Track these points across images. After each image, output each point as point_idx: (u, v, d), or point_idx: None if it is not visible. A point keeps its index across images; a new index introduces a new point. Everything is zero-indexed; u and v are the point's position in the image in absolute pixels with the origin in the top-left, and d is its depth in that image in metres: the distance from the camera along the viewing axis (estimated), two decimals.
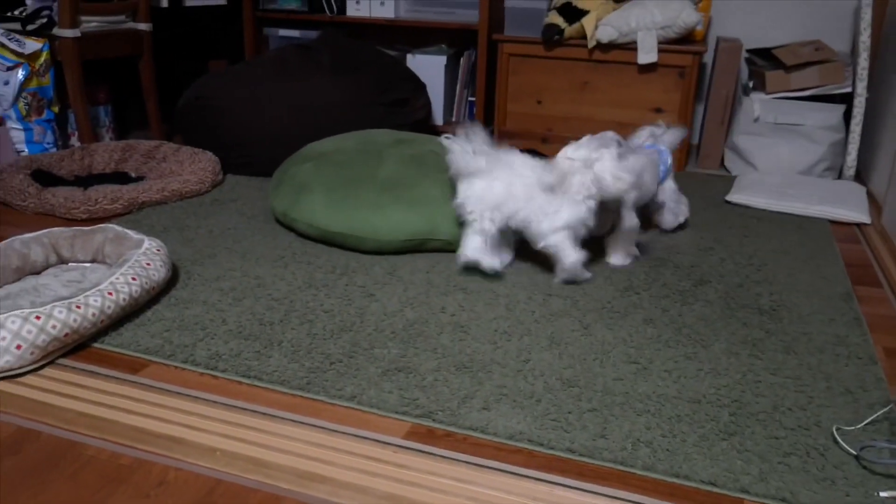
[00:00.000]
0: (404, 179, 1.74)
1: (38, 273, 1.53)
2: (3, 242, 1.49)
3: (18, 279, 1.49)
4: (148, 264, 1.41)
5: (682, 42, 2.44)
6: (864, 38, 2.31)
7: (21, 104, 2.25)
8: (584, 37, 2.51)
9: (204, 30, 3.13)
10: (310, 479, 0.97)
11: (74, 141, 2.48)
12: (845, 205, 2.09)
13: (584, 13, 2.47)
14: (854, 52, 2.50)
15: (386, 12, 2.83)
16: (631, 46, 2.45)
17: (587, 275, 1.59)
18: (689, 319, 1.44)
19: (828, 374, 1.26)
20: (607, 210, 1.63)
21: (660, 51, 2.42)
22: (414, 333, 1.35)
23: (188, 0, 2.81)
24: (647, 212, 1.87)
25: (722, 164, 2.63)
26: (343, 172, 1.77)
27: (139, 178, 2.19)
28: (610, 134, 1.59)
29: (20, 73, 2.22)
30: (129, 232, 1.54)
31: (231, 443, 1.04)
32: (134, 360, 1.25)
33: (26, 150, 2.29)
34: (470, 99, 2.93)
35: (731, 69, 2.50)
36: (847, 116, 2.41)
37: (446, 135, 1.60)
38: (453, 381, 1.19)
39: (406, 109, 2.50)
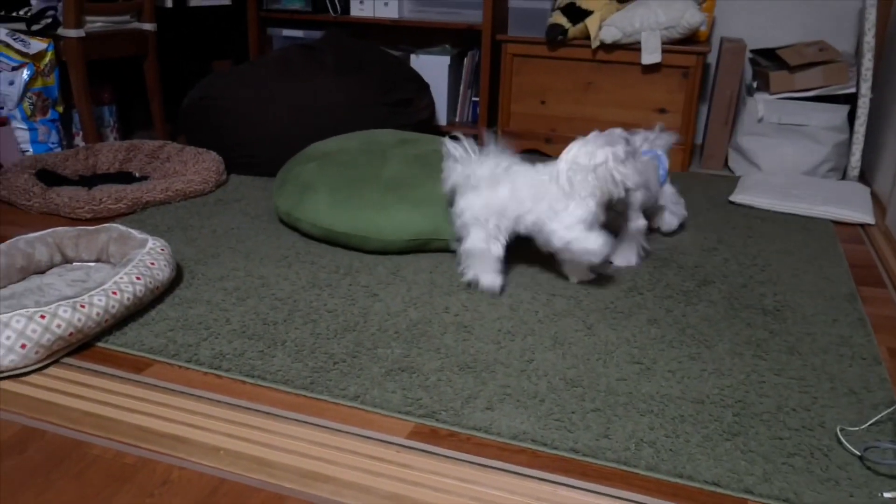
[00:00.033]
0: (408, 179, 1.74)
1: (42, 272, 1.54)
2: (8, 242, 1.49)
3: (23, 278, 1.50)
4: (152, 264, 1.41)
5: (686, 42, 2.44)
6: (869, 39, 2.31)
7: (26, 104, 2.26)
8: (588, 37, 2.50)
9: (208, 30, 3.13)
10: (313, 478, 0.97)
11: (79, 141, 2.48)
12: (849, 205, 2.09)
13: (587, 13, 2.47)
14: (858, 52, 2.49)
15: (390, 12, 2.83)
16: (635, 47, 2.45)
17: (611, 261, 1.58)
18: (692, 320, 1.44)
19: (832, 374, 1.25)
20: (614, 211, 1.62)
21: (663, 51, 2.41)
22: (417, 333, 1.35)
23: (192, 0, 2.82)
24: (646, 215, 1.86)
25: (726, 165, 2.63)
26: (347, 172, 1.77)
27: (143, 178, 2.19)
28: (618, 131, 1.57)
29: (25, 73, 2.23)
30: (134, 231, 1.55)
31: (235, 442, 1.04)
32: (138, 359, 1.25)
33: (31, 149, 2.30)
34: (473, 99, 2.93)
35: (734, 69, 2.50)
36: (851, 117, 2.41)
37: (453, 133, 1.59)
38: (457, 380, 1.19)
39: (410, 109, 2.51)
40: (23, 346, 1.16)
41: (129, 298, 1.32)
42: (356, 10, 2.88)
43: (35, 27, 2.27)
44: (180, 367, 1.23)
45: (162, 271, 1.43)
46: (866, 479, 0.99)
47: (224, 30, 3.17)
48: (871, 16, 2.30)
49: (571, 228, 1.47)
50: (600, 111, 2.60)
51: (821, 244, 1.87)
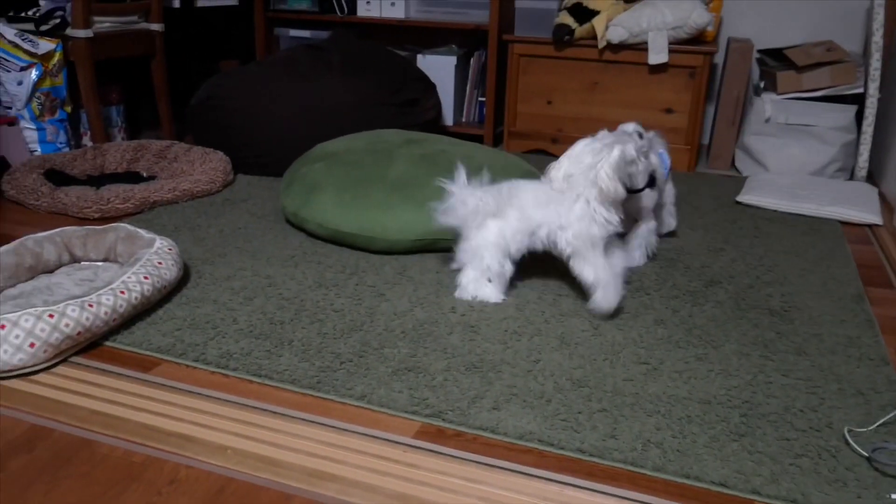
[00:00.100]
0: (414, 179, 1.74)
1: (50, 272, 1.55)
2: (17, 241, 1.50)
3: (31, 278, 1.50)
4: (160, 263, 1.42)
5: (693, 42, 2.43)
6: (877, 39, 2.30)
7: (34, 104, 2.27)
8: (595, 37, 2.50)
9: (215, 30, 3.14)
10: (320, 477, 0.97)
11: (87, 141, 2.49)
12: (857, 206, 2.08)
13: (594, 13, 2.47)
14: (866, 52, 2.48)
15: (396, 12, 2.84)
16: (641, 47, 2.44)
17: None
18: (699, 320, 1.44)
19: (839, 375, 1.25)
20: (625, 211, 1.61)
21: (670, 51, 2.41)
22: (424, 333, 1.35)
23: (200, 0, 2.83)
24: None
25: (733, 165, 2.62)
26: (353, 172, 1.77)
27: (151, 178, 2.20)
28: (631, 126, 1.54)
29: (33, 74, 2.24)
30: (141, 231, 1.55)
31: (242, 441, 1.04)
32: (145, 358, 1.26)
33: (39, 149, 2.31)
34: (480, 99, 2.93)
35: (742, 69, 2.49)
36: (859, 117, 2.40)
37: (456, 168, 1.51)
38: (463, 380, 1.20)
39: (416, 109, 2.51)
40: (31, 345, 1.16)
41: (136, 298, 1.33)
42: (363, 11, 2.88)
43: (43, 27, 2.28)
44: (188, 366, 1.23)
45: (169, 271, 1.43)
46: (874, 480, 0.99)
47: (231, 30, 3.18)
48: (880, 15, 2.29)
49: (572, 225, 1.42)
50: (607, 111, 2.60)
51: (828, 245, 1.87)
